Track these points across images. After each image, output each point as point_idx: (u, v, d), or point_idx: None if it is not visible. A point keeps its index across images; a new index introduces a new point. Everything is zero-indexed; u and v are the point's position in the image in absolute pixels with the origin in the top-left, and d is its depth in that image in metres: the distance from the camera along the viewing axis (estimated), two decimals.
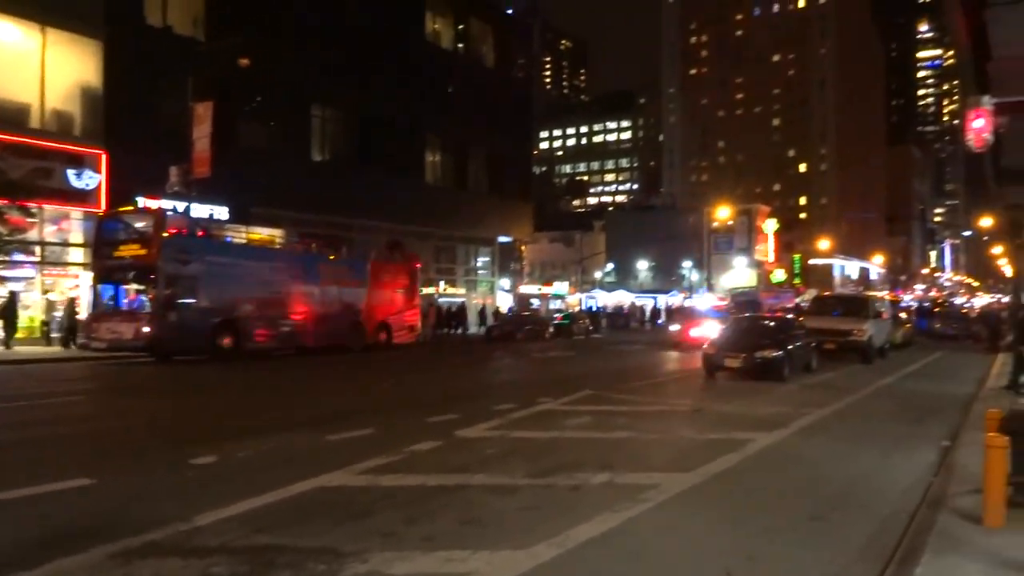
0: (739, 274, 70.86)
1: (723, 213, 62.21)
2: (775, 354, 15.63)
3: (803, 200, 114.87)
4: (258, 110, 29.23)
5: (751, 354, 15.65)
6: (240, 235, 22.12)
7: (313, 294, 22.83)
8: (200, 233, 20.35)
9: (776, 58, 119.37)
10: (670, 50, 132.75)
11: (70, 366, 18.11)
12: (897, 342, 26.19)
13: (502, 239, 43.33)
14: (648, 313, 54.96)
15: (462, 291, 40.68)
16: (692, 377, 16.65)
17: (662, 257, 72.19)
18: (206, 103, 23.79)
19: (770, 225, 77.12)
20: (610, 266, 77.32)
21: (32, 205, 20.85)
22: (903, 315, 31.62)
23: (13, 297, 21.27)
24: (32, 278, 23.00)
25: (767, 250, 76.01)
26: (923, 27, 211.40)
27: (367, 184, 32.09)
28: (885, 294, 58.99)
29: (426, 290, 33.87)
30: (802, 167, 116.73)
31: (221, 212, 24.82)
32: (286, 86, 29.22)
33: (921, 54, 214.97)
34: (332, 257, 25.23)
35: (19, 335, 21.61)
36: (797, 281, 72.85)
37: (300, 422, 9.86)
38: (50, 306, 22.72)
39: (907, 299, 68.29)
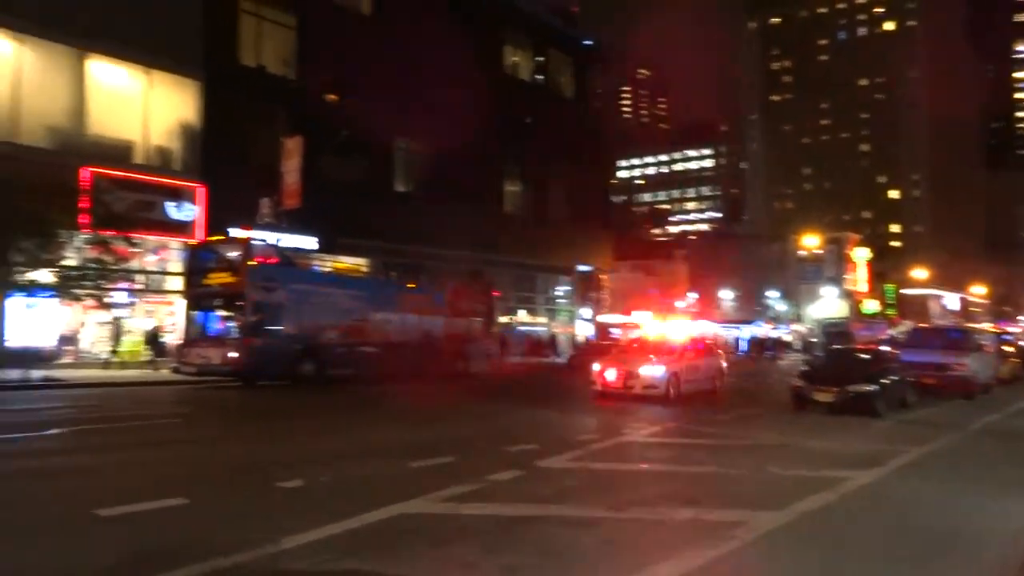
0: (828, 304, 68.50)
1: (811, 241, 60.40)
2: (869, 388, 14.92)
3: (895, 228, 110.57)
4: (344, 144, 30.22)
5: (843, 388, 14.99)
6: (323, 264, 22.76)
7: (392, 322, 23.21)
8: (285, 262, 21.02)
9: (863, 82, 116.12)
10: (751, 77, 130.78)
11: (165, 389, 18.89)
12: (1003, 377, 24.67)
13: (582, 268, 43.21)
14: (734, 344, 53.67)
15: (542, 320, 40.67)
16: (778, 411, 16.07)
17: (745, 286, 70.54)
18: (296, 138, 24.76)
19: (861, 254, 74.44)
20: (692, 295, 76.07)
21: (135, 236, 22.01)
22: (1008, 348, 29.78)
23: (118, 322, 22.45)
24: (134, 304, 24.25)
25: (858, 279, 73.28)
26: (1021, 47, 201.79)
27: (447, 214, 32.60)
28: (988, 326, 55.89)
29: (506, 319, 34.00)
30: (894, 193, 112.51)
31: (310, 242, 25.65)
32: (370, 120, 30.09)
33: (1020, 74, 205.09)
34: (411, 286, 25.64)
35: (120, 358, 22.79)
36: (891, 312, 69.87)
37: (381, 448, 9.97)
38: (151, 331, 23.88)
39: (1012, 332, 64.50)
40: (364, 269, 24.31)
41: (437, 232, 31.97)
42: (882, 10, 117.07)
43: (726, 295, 73.10)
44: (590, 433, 11.40)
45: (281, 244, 23.53)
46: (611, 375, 17.24)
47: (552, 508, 6.73)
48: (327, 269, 22.64)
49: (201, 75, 25.00)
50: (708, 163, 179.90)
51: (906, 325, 44.26)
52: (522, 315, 39.26)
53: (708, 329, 61.28)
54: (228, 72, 25.66)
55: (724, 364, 20.53)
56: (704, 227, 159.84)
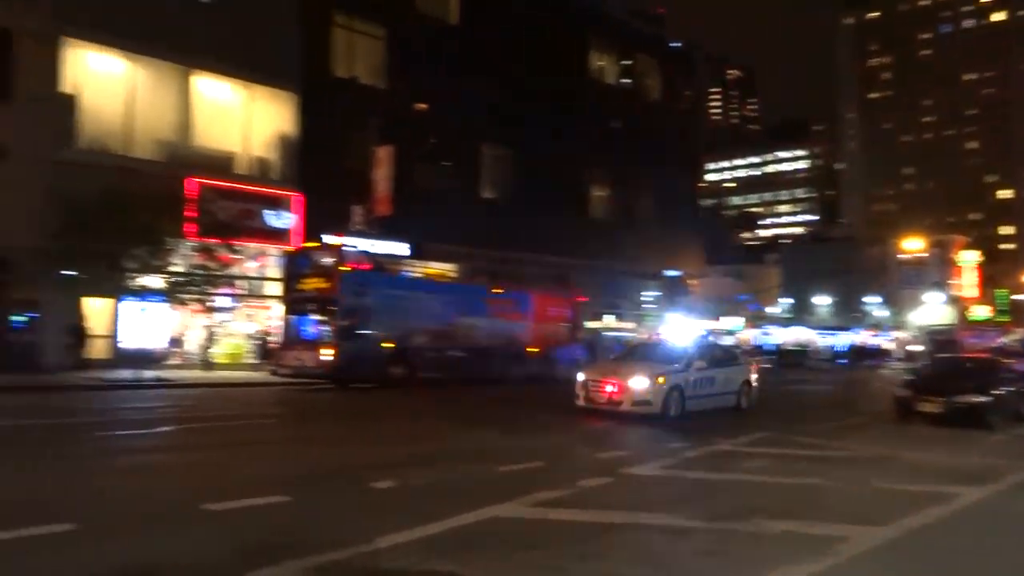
0: (932, 310, 65.18)
1: (913, 244, 57.66)
2: (980, 399, 14.09)
3: (1007, 230, 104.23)
4: (433, 151, 30.78)
5: (950, 398, 14.22)
6: (413, 270, 23.20)
7: (478, 326, 23.42)
8: (376, 268, 21.54)
9: (970, 76, 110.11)
10: (847, 74, 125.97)
11: (263, 391, 19.62)
12: None
13: (670, 273, 42.57)
14: (830, 350, 51.74)
15: (630, 325, 40.26)
16: (881, 422, 15.36)
17: (842, 291, 67.89)
18: (387, 147, 25.39)
19: (968, 257, 70.51)
20: (786, 300, 73.76)
21: (236, 243, 23.01)
22: None
23: (221, 326, 23.55)
24: (236, 309, 25.38)
25: (965, 284, 69.45)
26: None
27: (534, 219, 32.73)
28: None
29: (593, 324, 33.83)
30: (1005, 193, 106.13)
31: (402, 248, 26.24)
32: (458, 127, 30.57)
33: None
34: (497, 291, 25.83)
35: (222, 360, 23.87)
36: (1003, 319, 65.87)
37: (470, 451, 10.07)
38: (256, 335, 24.99)
39: None
40: (453, 274, 24.64)
41: (524, 237, 32.14)
42: (990, 0, 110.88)
43: (822, 300, 70.52)
44: (680, 442, 11.19)
45: (374, 250, 24.13)
46: (595, 387, 14.53)
47: (643, 516, 6.64)
48: (417, 274, 23.08)
49: (297, 88, 25.97)
50: (801, 164, 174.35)
51: (1020, 333, 41.61)
52: (609, 320, 38.97)
53: (802, 335, 59.24)
54: (322, 84, 26.56)
55: (754, 376, 17.08)
56: (797, 230, 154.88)
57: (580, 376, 15.09)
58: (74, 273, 19.11)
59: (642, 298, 42.62)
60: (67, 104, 21.41)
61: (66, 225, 18.15)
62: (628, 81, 42.11)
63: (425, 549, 5.42)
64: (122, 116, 22.99)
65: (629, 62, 42.15)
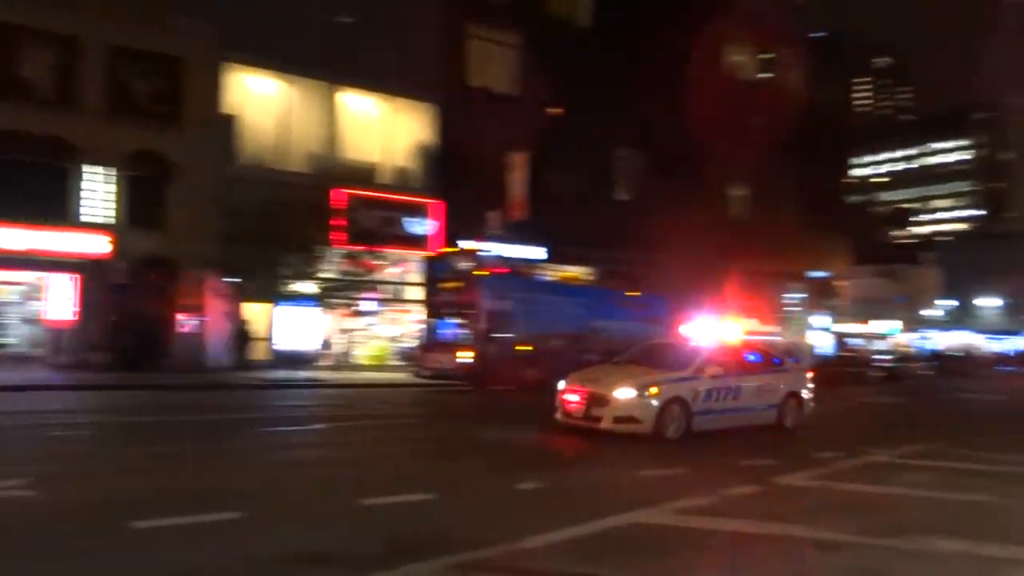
0: None
1: None
2: None
3: None
4: (567, 156, 30.88)
5: None
6: (549, 273, 23.37)
7: (615, 330, 23.19)
8: (512, 272, 21.85)
9: None
10: (1012, 57, 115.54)
11: (406, 391, 20.34)
12: None
13: (814, 274, 40.58)
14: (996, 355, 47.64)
15: (773, 329, 38.69)
16: None
17: (1012, 293, 62.25)
18: (522, 153, 25.76)
19: None
20: (946, 302, 68.48)
21: (380, 250, 24.07)
22: None
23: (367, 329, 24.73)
24: (380, 313, 26.53)
25: None
26: None
27: (669, 220, 32.11)
28: None
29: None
30: None
31: (538, 253, 26.52)
32: (592, 131, 30.49)
33: None
34: (634, 294, 25.52)
35: (368, 362, 25.02)
36: None
37: (609, 455, 9.98)
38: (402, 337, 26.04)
39: None
40: (589, 277, 24.64)
41: (659, 238, 31.60)
42: None
43: (987, 303, 64.96)
44: (831, 450, 10.63)
45: (510, 255, 24.50)
46: (573, 398, 11.59)
47: (794, 527, 6.35)
48: (552, 278, 23.25)
49: (436, 99, 26.86)
50: (960, 156, 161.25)
51: None
52: (750, 324, 37.59)
53: (967, 340, 54.76)
54: (459, 94, 27.30)
55: (807, 385, 13.53)
56: (957, 227, 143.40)
57: (561, 384, 12.13)
58: (237, 279, 20.65)
59: (785, 301, 40.86)
60: (229, 124, 23.15)
61: (229, 235, 19.66)
62: (767, 75, 40.53)
63: (569, 551, 5.45)
64: (276, 133, 24.60)
65: (769, 55, 40.57)
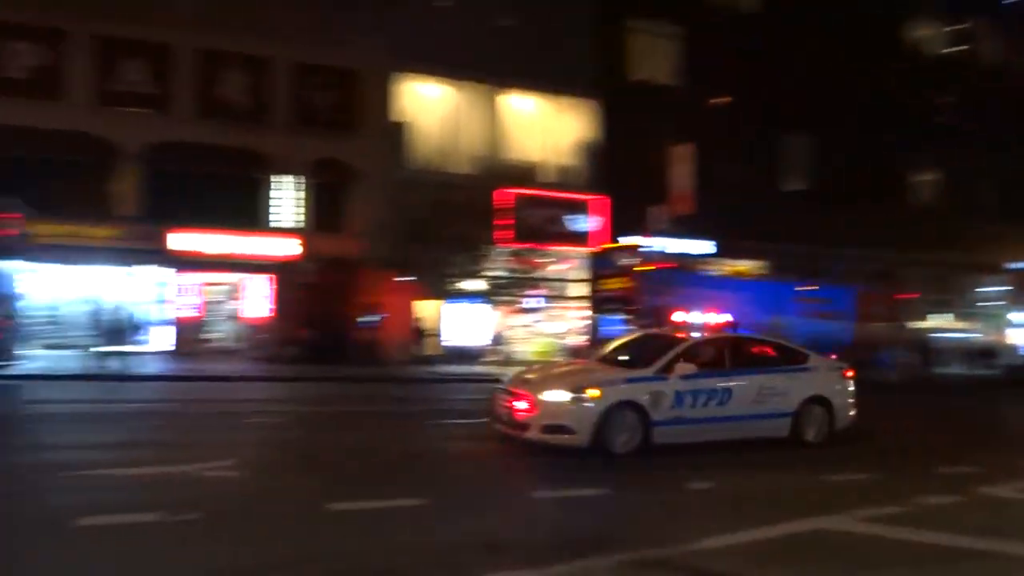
0: None
1: None
2: None
3: None
4: (732, 146, 29.82)
5: None
6: (717, 268, 22.69)
7: (789, 326, 22.12)
8: (675, 267, 21.40)
9: None
10: None
11: None
12: None
13: (1015, 265, 36.60)
14: None
15: (969, 326, 35.40)
16: None
17: None
18: (685, 144, 25.18)
19: None
20: None
21: (544, 247, 24.40)
22: None
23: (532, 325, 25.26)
24: (545, 309, 26.89)
25: None
26: None
27: (846, 210, 30.20)
28: None
29: (925, 324, 30.45)
30: None
31: (705, 246, 25.84)
32: (758, 120, 29.24)
33: None
34: (809, 288, 24.24)
35: (534, 357, 25.40)
36: None
37: (788, 458, 9.48)
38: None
39: None
40: (761, 271, 23.71)
41: (837, 230, 29.79)
42: None
43: None
44: None
45: (675, 249, 24.04)
46: (506, 401, 9.40)
47: (1007, 544, 5.80)
48: (721, 272, 22.58)
49: (597, 95, 26.82)
50: None
51: None
52: (942, 320, 34.60)
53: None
54: (620, 89, 27.05)
55: (845, 387, 10.66)
56: None
57: (499, 384, 10.22)
58: (411, 278, 21.70)
59: (981, 295, 37.22)
60: (400, 130, 24.35)
61: (402, 236, 20.71)
62: (955, 49, 36.97)
63: (749, 554, 5.31)
64: (442, 136, 25.57)
65: (958, 26, 37.03)
